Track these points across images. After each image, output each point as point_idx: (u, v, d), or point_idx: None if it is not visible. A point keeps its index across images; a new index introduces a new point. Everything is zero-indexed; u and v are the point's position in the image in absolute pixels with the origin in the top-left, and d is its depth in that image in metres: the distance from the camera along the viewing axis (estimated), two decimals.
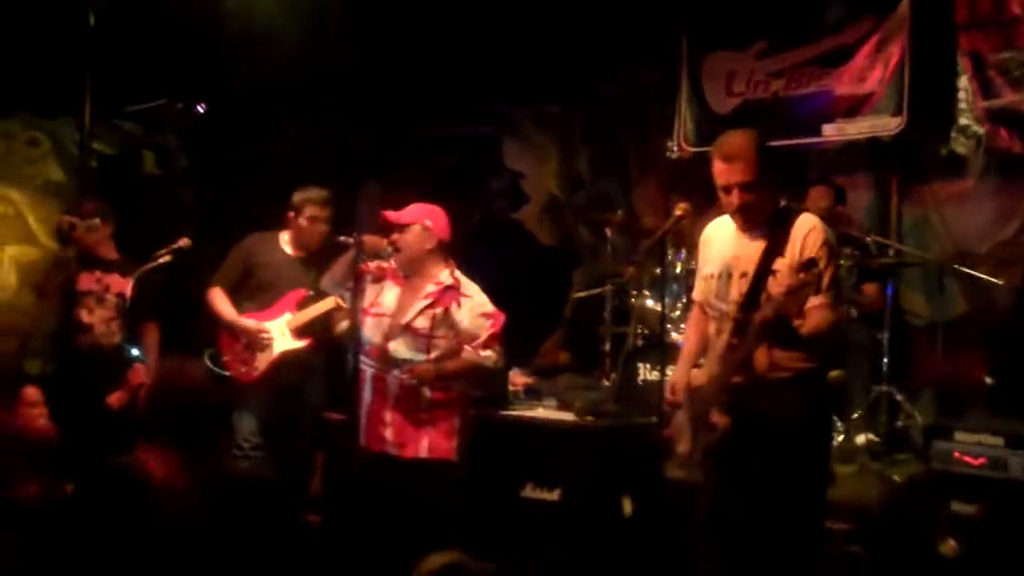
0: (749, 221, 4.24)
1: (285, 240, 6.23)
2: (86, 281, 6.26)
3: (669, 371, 5.82)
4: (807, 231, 4.15)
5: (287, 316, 6.09)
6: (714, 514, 4.31)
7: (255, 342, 6.04)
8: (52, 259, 6.30)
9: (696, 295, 4.57)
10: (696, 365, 4.50)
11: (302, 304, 6.06)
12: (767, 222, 4.22)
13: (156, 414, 4.56)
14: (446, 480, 5.15)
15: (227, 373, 6.09)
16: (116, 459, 3.69)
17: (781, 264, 4.10)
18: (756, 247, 4.20)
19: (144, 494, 3.54)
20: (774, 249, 4.13)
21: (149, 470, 4.20)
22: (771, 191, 4.26)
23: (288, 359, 6.06)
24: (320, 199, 6.15)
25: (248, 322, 6.06)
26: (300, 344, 6.07)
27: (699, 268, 4.52)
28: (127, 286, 6.18)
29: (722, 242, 4.38)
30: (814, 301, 4.03)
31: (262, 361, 6.04)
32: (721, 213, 4.46)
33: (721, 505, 4.27)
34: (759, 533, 4.16)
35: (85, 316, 6.20)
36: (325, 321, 5.96)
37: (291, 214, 6.17)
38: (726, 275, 4.27)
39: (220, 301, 6.14)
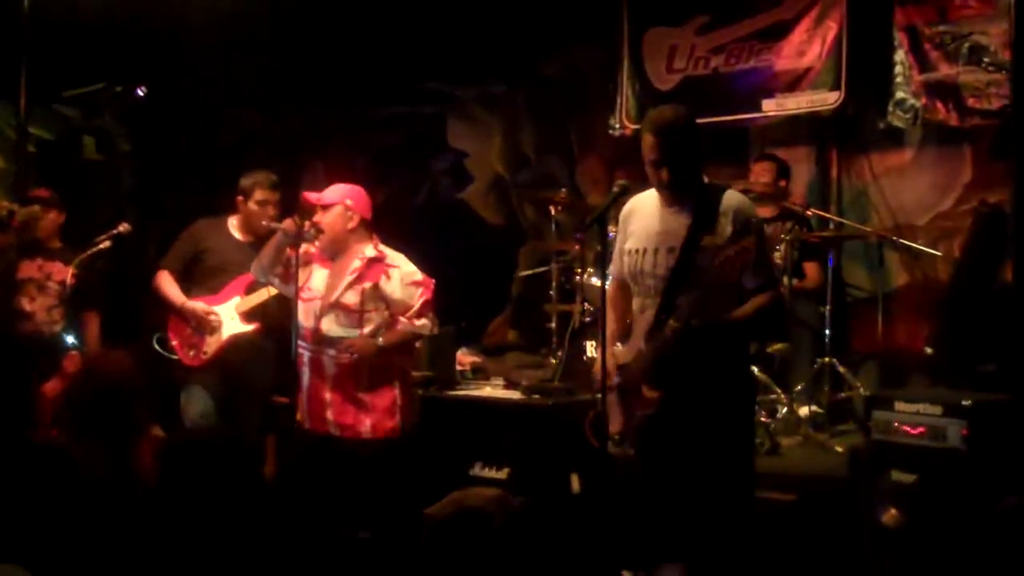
0: (675, 196, 4.27)
1: (233, 225, 6.16)
2: (27, 269, 6.20)
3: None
4: (736, 206, 4.20)
5: (236, 300, 6.06)
6: (648, 488, 4.34)
7: (204, 325, 6.00)
8: None
9: (615, 271, 4.57)
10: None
11: (250, 288, 6.03)
12: (693, 197, 4.24)
13: (73, 403, 4.48)
14: (391, 457, 5.17)
15: (175, 357, 6.05)
16: (39, 436, 3.64)
17: (709, 240, 4.13)
18: (683, 222, 4.22)
19: (71, 469, 3.50)
20: (701, 224, 4.16)
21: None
22: (698, 167, 4.30)
23: (237, 343, 6.03)
24: (269, 182, 6.08)
25: (197, 305, 6.01)
26: (249, 328, 6.04)
27: (619, 243, 4.51)
28: (70, 274, 6.12)
29: (647, 217, 4.38)
30: (751, 282, 4.09)
31: (211, 345, 6.01)
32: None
33: (654, 478, 4.31)
34: (692, 503, 4.22)
35: (26, 304, 6.15)
36: (273, 305, 5.94)
37: (240, 198, 6.10)
38: (651, 250, 4.28)
39: (168, 285, 6.08)
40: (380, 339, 5.18)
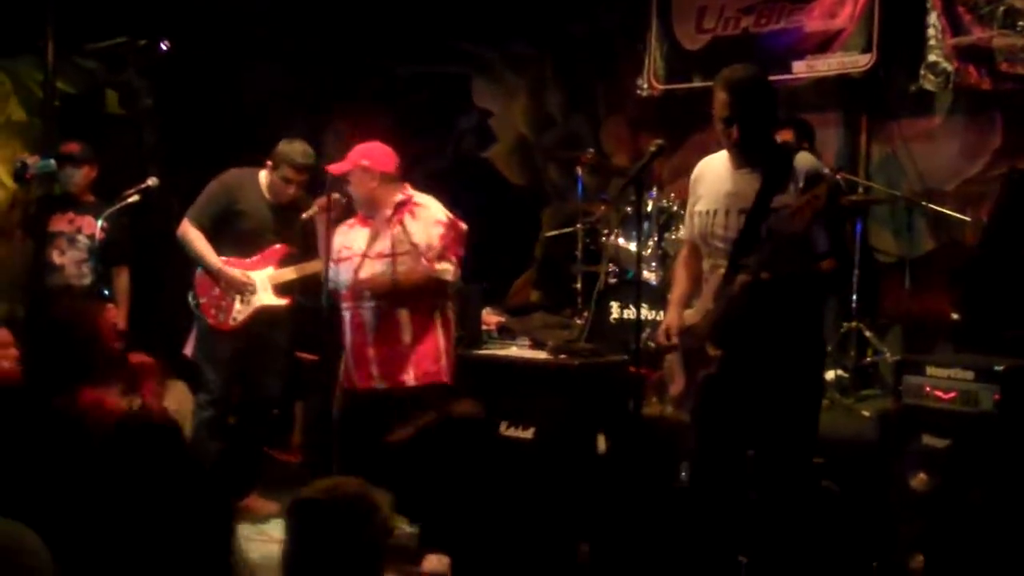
0: (746, 156, 4.22)
1: (263, 182, 5.96)
2: (58, 222, 6.20)
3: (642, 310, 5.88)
4: (807, 167, 4.15)
5: (268, 271, 5.94)
6: (707, 446, 4.34)
7: (239, 289, 5.88)
8: (10, 198, 6.22)
9: (686, 233, 4.53)
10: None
11: (284, 261, 5.95)
12: (764, 158, 4.19)
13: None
14: (439, 402, 5.16)
15: (200, 314, 5.97)
16: (59, 400, 3.63)
17: (780, 202, 4.07)
18: (753, 183, 4.17)
19: (80, 432, 3.50)
20: (772, 185, 4.11)
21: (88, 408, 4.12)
22: (770, 127, 4.29)
23: (263, 313, 5.95)
24: (299, 164, 5.85)
25: (235, 272, 5.87)
26: (280, 302, 5.95)
27: (690, 205, 4.46)
28: (100, 228, 6.10)
29: (716, 178, 4.33)
30: (822, 244, 4.07)
31: (241, 313, 5.90)
32: (696, 151, 4.46)
33: (715, 437, 4.30)
34: (747, 468, 4.22)
35: (56, 257, 6.16)
36: (306, 282, 5.90)
37: (270, 163, 5.91)
38: (723, 211, 4.23)
39: (199, 242, 5.88)
40: (397, 276, 5.16)
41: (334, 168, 5.30)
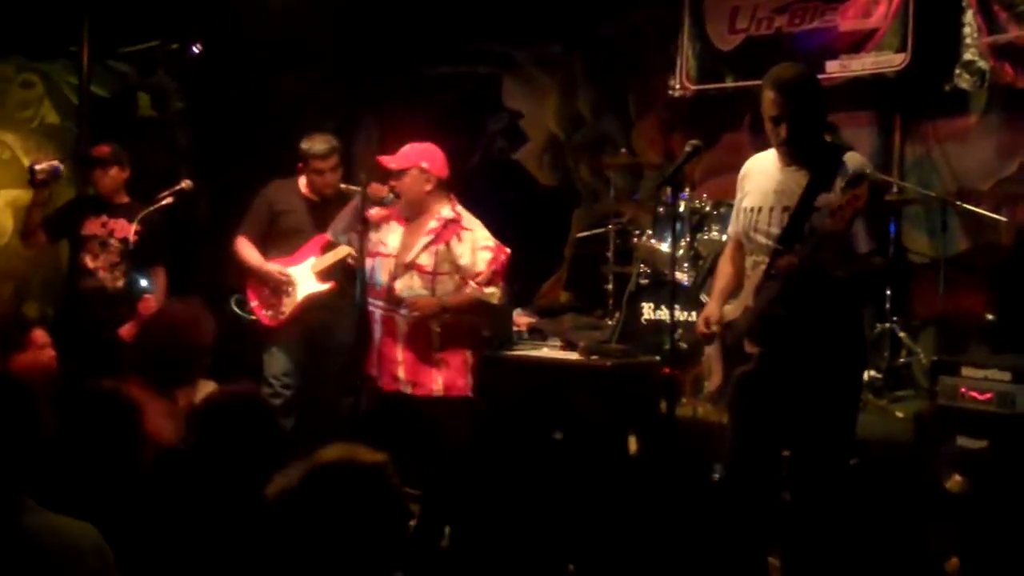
0: (794, 154, 4.21)
1: (303, 185, 6.23)
2: (91, 226, 6.23)
3: (677, 311, 5.86)
4: (855, 166, 4.11)
5: (311, 260, 6.13)
6: (741, 444, 4.33)
7: (281, 286, 6.09)
8: (29, 201, 6.26)
9: (732, 229, 4.55)
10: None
11: (326, 248, 6.08)
12: (812, 156, 4.18)
13: (138, 352, 4.57)
14: (462, 416, 5.18)
15: (253, 318, 6.19)
16: (101, 384, 3.65)
17: (824, 200, 4.04)
18: (799, 181, 4.15)
19: (130, 417, 3.52)
20: (819, 183, 4.08)
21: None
22: (818, 126, 4.25)
23: (314, 302, 6.10)
24: (321, 152, 6.11)
25: (272, 267, 6.11)
26: (324, 287, 6.10)
27: (737, 202, 4.46)
28: (133, 231, 6.15)
29: (763, 175, 4.33)
30: (864, 245, 4.04)
31: (288, 305, 6.10)
32: (728, 152, 4.45)
33: (750, 436, 4.29)
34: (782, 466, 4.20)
35: (89, 261, 6.18)
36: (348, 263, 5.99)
37: (300, 164, 6.20)
38: (767, 208, 4.23)
39: (246, 249, 6.18)
40: (445, 300, 5.16)
41: (391, 162, 5.28)
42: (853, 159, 4.17)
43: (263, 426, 3.38)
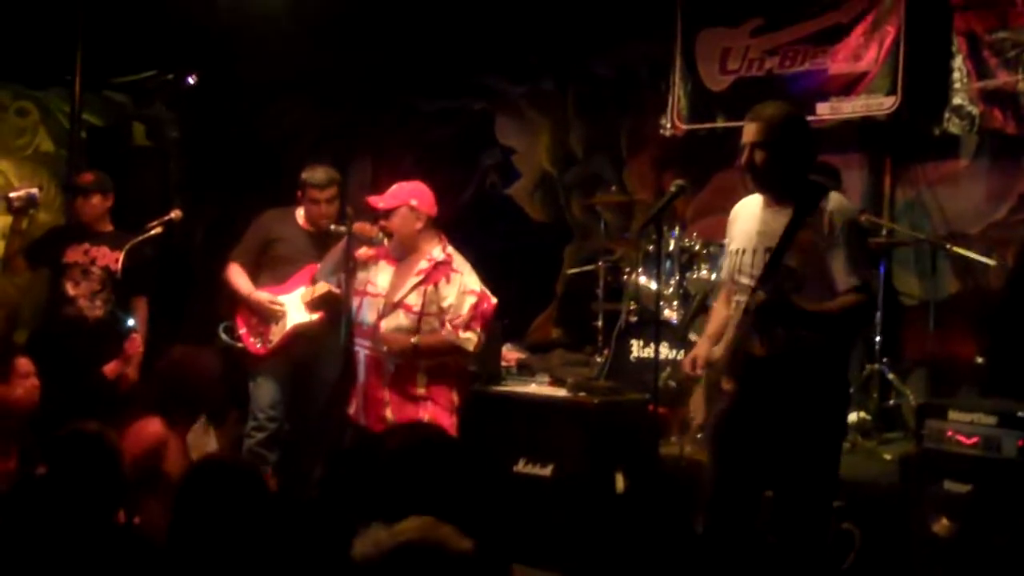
0: (776, 195, 4.23)
1: (300, 216, 6.26)
2: (73, 253, 6.22)
3: (662, 349, 5.84)
4: (834, 208, 4.13)
5: (301, 290, 6.10)
6: (719, 483, 4.31)
7: (269, 315, 6.08)
8: (9, 230, 6.26)
9: (723, 273, 4.57)
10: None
11: (316, 278, 6.04)
12: (795, 196, 4.18)
13: (165, 395, 4.62)
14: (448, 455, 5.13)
15: (240, 346, 6.14)
16: (87, 426, 3.66)
17: (805, 238, 4.07)
18: (782, 220, 4.16)
19: (113, 460, 3.53)
20: (799, 223, 4.09)
21: (125, 438, 4.18)
22: (790, 161, 4.23)
23: (302, 333, 6.08)
24: (320, 183, 6.14)
25: (262, 295, 6.10)
26: (313, 318, 6.07)
27: (726, 245, 4.50)
28: (114, 259, 6.15)
29: (749, 218, 4.35)
30: (843, 283, 4.04)
31: (276, 334, 6.09)
32: (719, 191, 4.47)
33: (727, 476, 4.28)
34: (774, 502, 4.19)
35: (70, 288, 6.17)
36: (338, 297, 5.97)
37: (299, 192, 6.22)
38: (751, 250, 4.25)
39: (237, 276, 6.18)
40: (415, 339, 5.13)
41: (380, 202, 5.28)
42: (833, 200, 4.18)
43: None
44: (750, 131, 4.23)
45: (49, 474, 3.47)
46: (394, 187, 5.32)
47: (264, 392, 6.14)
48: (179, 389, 4.64)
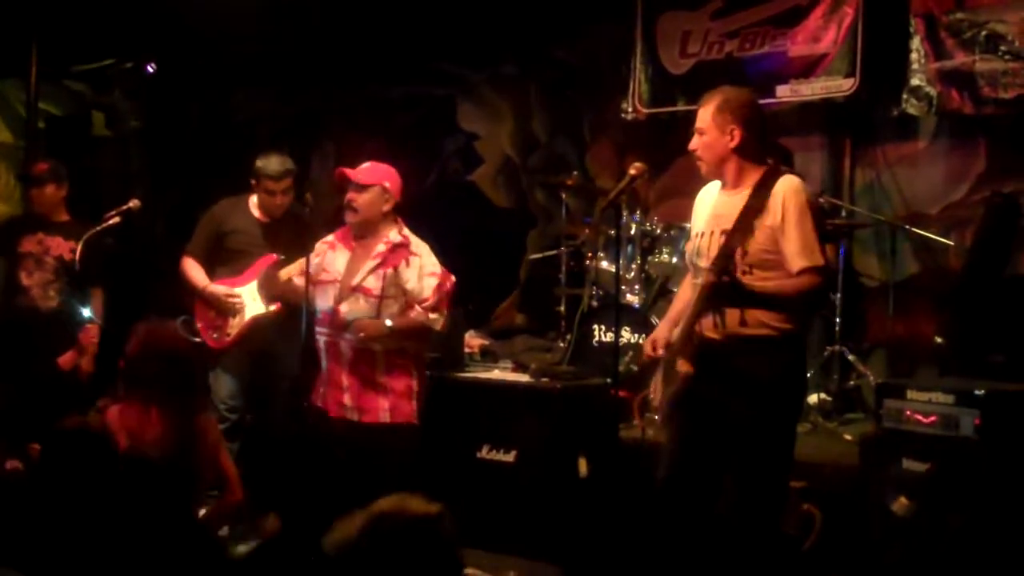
0: (711, 172, 4.28)
1: (254, 204, 6.14)
2: (27, 243, 6.18)
3: (624, 333, 5.84)
4: (783, 190, 4.14)
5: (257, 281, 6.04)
6: (672, 463, 4.33)
7: (226, 308, 6.02)
8: None
9: (685, 256, 4.58)
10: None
11: (271, 269, 5.95)
12: (752, 182, 4.19)
13: (137, 374, 4.57)
14: (409, 443, 5.14)
15: (198, 339, 6.03)
16: (70, 420, 3.65)
17: (761, 223, 4.09)
18: (737, 205, 4.18)
19: (107, 448, 3.52)
20: (753, 207, 4.11)
21: (110, 426, 4.18)
22: (753, 150, 4.24)
23: (260, 324, 6.03)
24: (274, 173, 6.01)
25: (218, 288, 6.03)
26: (271, 309, 6.02)
27: (690, 229, 4.52)
28: (69, 248, 6.10)
29: (708, 202, 4.38)
30: (796, 264, 4.06)
31: (233, 327, 6.03)
32: (681, 175, 4.48)
33: (681, 456, 4.30)
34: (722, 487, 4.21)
35: (24, 278, 6.14)
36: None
37: (253, 181, 6.09)
38: (708, 233, 4.26)
39: (192, 269, 6.10)
40: (390, 322, 5.11)
41: (357, 176, 5.17)
42: (784, 182, 4.18)
43: None
44: (700, 116, 4.25)
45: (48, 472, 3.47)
46: (369, 164, 5.25)
47: (223, 384, 6.09)
48: (163, 364, 4.58)
